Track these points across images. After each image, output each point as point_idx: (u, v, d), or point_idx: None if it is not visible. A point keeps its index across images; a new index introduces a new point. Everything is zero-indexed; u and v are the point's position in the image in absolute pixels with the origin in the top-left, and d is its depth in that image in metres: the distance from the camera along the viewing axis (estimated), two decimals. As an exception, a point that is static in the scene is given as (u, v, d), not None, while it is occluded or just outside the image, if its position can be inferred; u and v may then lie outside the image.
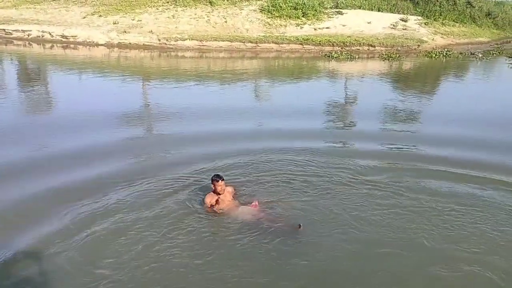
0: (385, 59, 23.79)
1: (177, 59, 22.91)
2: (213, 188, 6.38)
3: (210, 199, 6.36)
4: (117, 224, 6.03)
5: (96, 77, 17.25)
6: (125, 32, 25.37)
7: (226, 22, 27.52)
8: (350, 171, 7.87)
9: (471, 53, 26.58)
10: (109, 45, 24.75)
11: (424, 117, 12.74)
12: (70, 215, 6.21)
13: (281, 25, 28.35)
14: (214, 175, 6.50)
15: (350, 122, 12.23)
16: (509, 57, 25.67)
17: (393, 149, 9.51)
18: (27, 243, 5.58)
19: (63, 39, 25.49)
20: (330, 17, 30.10)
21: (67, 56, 22.89)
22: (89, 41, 25.07)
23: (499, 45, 31.03)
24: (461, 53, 26.44)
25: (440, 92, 17.31)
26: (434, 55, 25.15)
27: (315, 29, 28.48)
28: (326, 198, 6.83)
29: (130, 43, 24.81)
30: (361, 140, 10.02)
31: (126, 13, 27.78)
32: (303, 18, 29.28)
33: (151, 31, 25.47)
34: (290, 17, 29.06)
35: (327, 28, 28.75)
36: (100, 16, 27.84)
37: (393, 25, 29.98)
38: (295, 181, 7.42)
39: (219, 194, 6.30)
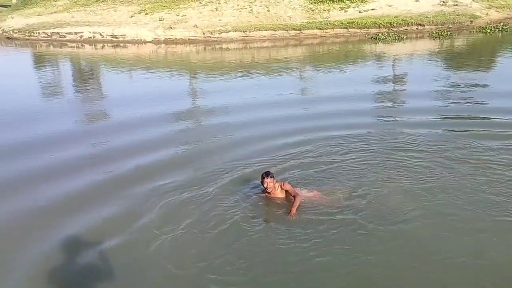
0: (436, 37, 22.81)
1: (221, 52, 23.18)
2: (262, 184, 6.11)
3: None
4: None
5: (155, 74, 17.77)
6: (171, 28, 25.94)
7: (268, 11, 27.41)
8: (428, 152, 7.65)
9: (530, 26, 24.91)
10: (156, 42, 25.44)
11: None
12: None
13: (324, 10, 27.85)
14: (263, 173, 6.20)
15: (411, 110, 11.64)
16: None
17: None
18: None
19: (113, 39, 26.50)
20: (375, -3, 29.17)
21: (117, 55, 23.76)
22: (137, 39, 25.88)
23: None
24: (519, 27, 24.86)
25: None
26: (489, 31, 23.80)
27: (359, 12, 27.75)
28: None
29: (176, 38, 25.36)
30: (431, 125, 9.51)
31: (171, 9, 28.34)
32: (346, 1, 28.58)
33: (196, 25, 25.87)
34: (333, 1, 28.47)
35: (372, 9, 27.91)
36: (147, 14, 28.58)
37: (443, 1, 28.62)
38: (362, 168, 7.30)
39: (268, 192, 6.05)
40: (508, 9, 29.11)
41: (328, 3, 28.36)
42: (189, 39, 25.13)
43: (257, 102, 12.22)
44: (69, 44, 27.11)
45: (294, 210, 5.78)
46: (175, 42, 25.17)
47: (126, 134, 9.77)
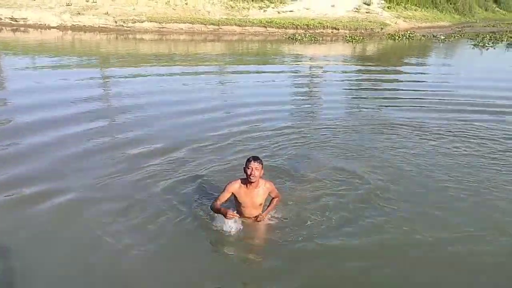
0: (349, 41, 23.54)
1: (135, 42, 21.82)
2: (245, 172, 4.45)
3: (232, 187, 4.52)
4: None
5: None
6: (79, 14, 24.06)
7: (186, 4, 26.57)
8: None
9: (433, 36, 26.78)
10: (62, 28, 23.40)
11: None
12: None
13: (244, 7, 27.66)
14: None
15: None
16: (470, 39, 25.94)
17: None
18: None
19: (13, 22, 23.92)
20: (293, 0, 29.62)
21: (17, 40, 21.35)
22: (41, 24, 23.64)
23: (460, 29, 31.43)
24: (423, 36, 26.61)
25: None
26: (397, 37, 25.15)
27: (278, 12, 27.98)
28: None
29: (84, 25, 23.55)
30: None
31: (81, -6, 26.34)
32: (266, 1, 28.70)
33: (107, 12, 24.26)
34: (253, 0, 28.40)
35: (290, 11, 28.31)
36: (52, -3, 26.28)
37: (357, 9, 29.87)
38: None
39: (251, 181, 4.40)
40: (414, 20, 31.17)
41: (247, 2, 28.23)
42: (99, 26, 23.47)
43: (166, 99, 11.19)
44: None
45: (269, 209, 4.72)
46: (84, 29, 23.35)
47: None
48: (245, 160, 4.47)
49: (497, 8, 48.97)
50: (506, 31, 29.29)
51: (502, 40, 25.32)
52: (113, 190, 5.41)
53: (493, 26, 34.47)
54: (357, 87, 12.48)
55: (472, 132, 7.81)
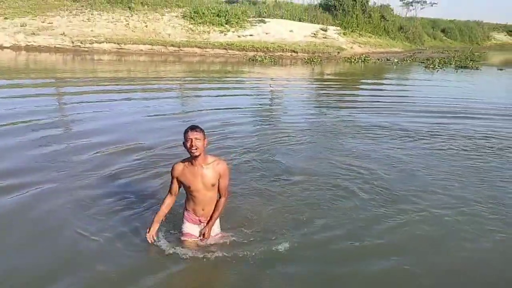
0: (307, 63, 24.11)
1: (92, 63, 21.37)
2: (185, 146, 3.70)
3: (175, 171, 3.82)
4: None
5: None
6: (34, 34, 23.44)
7: (146, 26, 26.52)
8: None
9: (387, 59, 27.93)
10: (16, 48, 22.66)
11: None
12: None
13: (204, 31, 27.90)
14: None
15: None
16: (421, 62, 27.21)
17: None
18: None
19: (-38, 42, 22.96)
20: (253, 25, 30.22)
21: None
22: (-7, 44, 22.79)
23: (411, 54, 32.97)
24: (378, 59, 27.70)
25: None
26: (353, 60, 26.01)
27: (238, 36, 28.38)
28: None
29: (39, 45, 22.92)
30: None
31: (36, 16, 25.78)
32: (226, 25, 29.09)
33: (63, 33, 23.77)
34: (213, 24, 28.74)
35: (250, 35, 28.78)
36: (6, 18, 25.52)
37: (314, 34, 30.79)
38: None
39: (194, 155, 3.63)
40: (369, 45, 32.48)
41: (208, 25, 28.52)
42: (55, 47, 22.90)
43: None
44: None
45: (213, 220, 3.92)
46: (38, 49, 22.71)
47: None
48: (183, 133, 3.68)
49: (444, 37, 51.95)
50: (454, 57, 31.00)
51: (451, 64, 26.72)
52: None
53: (442, 53, 36.38)
54: (320, 99, 12.76)
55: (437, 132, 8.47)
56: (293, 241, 4.13)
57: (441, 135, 8.38)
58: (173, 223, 4.20)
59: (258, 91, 14.48)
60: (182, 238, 3.97)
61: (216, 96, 12.80)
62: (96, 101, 10.78)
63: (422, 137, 8.16)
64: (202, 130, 3.67)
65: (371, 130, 8.66)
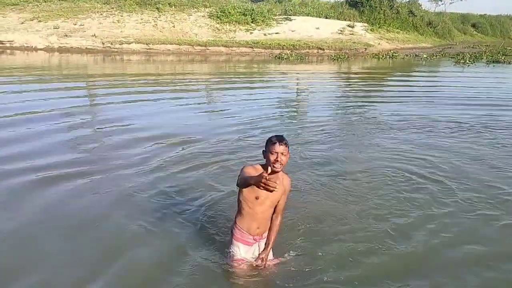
0: (334, 60, 23.96)
1: (122, 63, 21.85)
2: (266, 157, 3.25)
3: (248, 171, 3.23)
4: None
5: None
6: (66, 36, 24.16)
7: (174, 27, 26.93)
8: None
9: (415, 55, 27.46)
10: (49, 50, 23.41)
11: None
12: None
13: (230, 30, 28.11)
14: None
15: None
16: (451, 57, 26.62)
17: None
18: None
19: (-1, 45, 23.90)
20: (279, 23, 30.25)
21: (2, 61, 21.25)
22: (27, 46, 23.63)
23: (441, 50, 32.28)
24: (406, 55, 27.26)
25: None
26: (381, 57, 25.70)
27: (264, 35, 28.46)
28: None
29: (71, 47, 23.61)
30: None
31: (68, 18, 26.56)
32: (252, 24, 29.22)
33: (94, 35, 24.41)
34: (239, 23, 28.92)
35: (276, 33, 28.81)
36: (40, 21, 26.42)
37: (341, 31, 30.56)
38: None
39: (275, 171, 3.20)
40: (397, 41, 31.98)
41: (234, 24, 28.72)
42: (86, 48, 23.54)
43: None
44: None
45: (271, 243, 3.50)
46: (70, 51, 23.38)
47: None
48: (266, 141, 3.24)
49: (475, 32, 50.60)
50: (485, 51, 30.18)
51: (482, 58, 26.04)
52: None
53: (473, 47, 35.46)
54: (352, 93, 12.78)
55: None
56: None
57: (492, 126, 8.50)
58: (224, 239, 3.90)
59: (288, 88, 14.55)
60: (234, 264, 3.47)
61: (248, 94, 12.97)
62: (140, 100, 11.14)
63: (472, 128, 8.30)
64: (287, 144, 3.22)
65: (419, 122, 8.85)
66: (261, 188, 2.83)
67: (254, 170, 3.19)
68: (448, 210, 4.74)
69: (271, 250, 3.51)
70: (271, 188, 2.78)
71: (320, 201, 4.95)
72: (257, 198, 3.26)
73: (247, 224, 3.35)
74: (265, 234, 3.45)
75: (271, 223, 3.44)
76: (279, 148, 3.13)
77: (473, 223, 4.51)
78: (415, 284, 3.52)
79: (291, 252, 3.81)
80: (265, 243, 3.46)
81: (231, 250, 3.46)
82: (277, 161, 3.13)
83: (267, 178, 2.78)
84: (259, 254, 3.45)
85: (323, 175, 5.76)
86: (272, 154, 3.15)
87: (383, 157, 6.48)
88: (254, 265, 3.44)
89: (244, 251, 3.43)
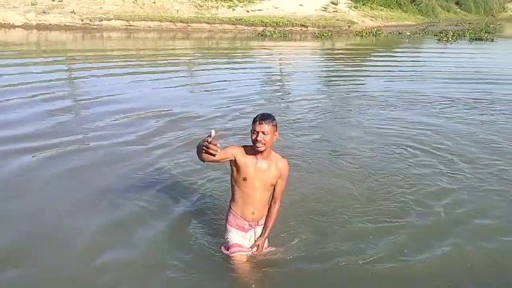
0: (318, 37, 23.85)
1: (102, 40, 21.40)
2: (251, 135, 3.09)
3: (234, 149, 3.12)
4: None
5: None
6: (44, 12, 23.48)
7: (154, 3, 26.36)
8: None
9: (399, 33, 27.48)
10: (27, 27, 22.74)
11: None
12: None
13: (212, 6, 27.67)
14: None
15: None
16: (434, 35, 26.72)
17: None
18: None
19: (-26, 22, 23.14)
20: (262, -1, 29.83)
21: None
22: (4, 23, 22.90)
23: (424, 27, 32.34)
24: (390, 33, 27.26)
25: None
26: (364, 34, 25.66)
27: (247, 11, 28.09)
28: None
29: (50, 24, 22.99)
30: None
31: (46, -6, 25.73)
32: (234, 0, 28.79)
33: (73, 11, 23.77)
34: (222, -1, 28.46)
35: (259, 10, 28.45)
36: (16, -3, 25.56)
37: (324, 8, 30.30)
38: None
39: (258, 150, 3.05)
40: (380, 19, 31.88)
41: (216, 1, 28.25)
42: (65, 25, 22.94)
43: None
44: None
45: (269, 229, 3.38)
46: (49, 28, 22.77)
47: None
48: (252, 120, 3.08)
49: (458, 9, 50.65)
50: (468, 29, 30.34)
51: (465, 36, 26.21)
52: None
53: (456, 25, 35.61)
54: (336, 70, 12.93)
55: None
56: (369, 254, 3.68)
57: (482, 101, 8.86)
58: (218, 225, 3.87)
59: (273, 64, 14.49)
60: (229, 251, 3.34)
61: (231, 70, 12.92)
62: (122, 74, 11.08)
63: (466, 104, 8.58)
64: (273, 122, 3.05)
65: (411, 97, 9.15)
66: (203, 151, 2.68)
67: (239, 150, 3.10)
68: (457, 186, 4.83)
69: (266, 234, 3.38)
70: (212, 152, 2.62)
71: (323, 179, 4.94)
72: (244, 179, 3.12)
73: (241, 208, 3.23)
74: (262, 221, 3.33)
75: (269, 209, 3.32)
76: (259, 127, 2.99)
77: (483, 198, 4.60)
78: (426, 257, 3.60)
79: (291, 237, 3.77)
80: (262, 230, 3.36)
81: (226, 236, 3.37)
82: (258, 140, 3.00)
83: (209, 141, 2.61)
84: (255, 241, 3.34)
85: (323, 153, 5.82)
86: (253, 133, 3.03)
87: (383, 133, 6.59)
88: (250, 252, 3.35)
89: (239, 237, 3.30)
